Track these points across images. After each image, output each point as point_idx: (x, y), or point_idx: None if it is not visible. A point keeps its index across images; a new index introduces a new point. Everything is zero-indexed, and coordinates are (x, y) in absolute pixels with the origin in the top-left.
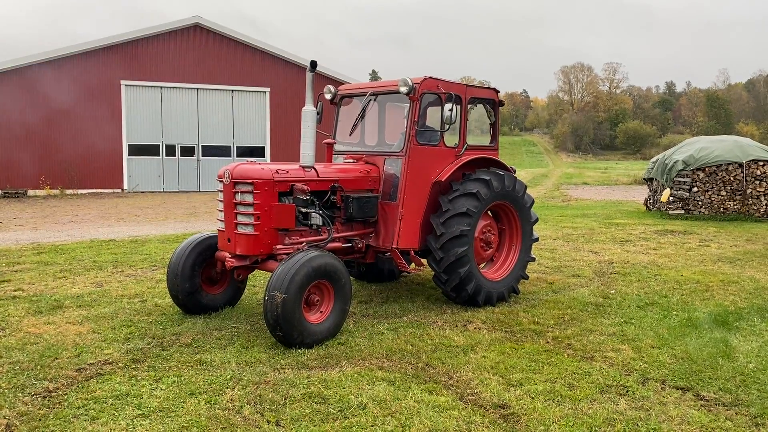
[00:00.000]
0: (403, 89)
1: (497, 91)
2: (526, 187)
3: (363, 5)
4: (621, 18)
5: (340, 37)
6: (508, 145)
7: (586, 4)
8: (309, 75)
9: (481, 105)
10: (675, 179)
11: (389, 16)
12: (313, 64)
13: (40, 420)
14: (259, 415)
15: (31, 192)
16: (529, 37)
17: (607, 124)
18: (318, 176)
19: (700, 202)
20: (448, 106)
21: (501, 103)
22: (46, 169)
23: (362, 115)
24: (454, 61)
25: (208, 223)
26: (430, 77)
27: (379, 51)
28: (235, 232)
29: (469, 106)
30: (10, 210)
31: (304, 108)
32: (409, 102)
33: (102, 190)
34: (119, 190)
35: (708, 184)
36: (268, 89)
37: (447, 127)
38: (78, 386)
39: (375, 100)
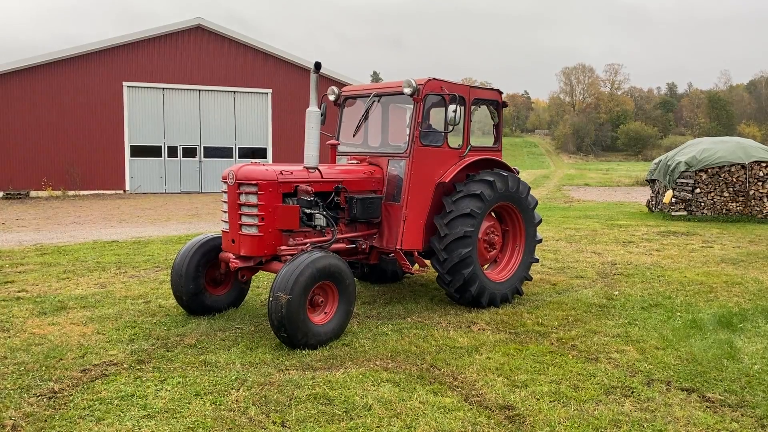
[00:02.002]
0: (407, 90)
1: (501, 93)
2: (529, 188)
3: (356, 5)
4: (621, 18)
5: (334, 38)
6: (510, 147)
7: (586, 4)
8: (313, 76)
9: (485, 106)
10: (677, 180)
11: (386, 16)
12: (318, 65)
13: (45, 421)
14: (264, 415)
15: (33, 193)
16: (529, 37)
17: (608, 125)
18: (322, 177)
19: (702, 204)
20: (451, 107)
21: (504, 105)
22: (48, 171)
23: (366, 117)
24: (454, 61)
25: (211, 224)
26: (434, 78)
27: (376, 52)
28: (240, 233)
29: (472, 107)
30: (13, 211)
31: (308, 109)
32: (413, 103)
33: (104, 192)
34: (121, 192)
35: (710, 186)
36: (270, 90)
37: (451, 128)
38: (83, 387)
39: (378, 101)
